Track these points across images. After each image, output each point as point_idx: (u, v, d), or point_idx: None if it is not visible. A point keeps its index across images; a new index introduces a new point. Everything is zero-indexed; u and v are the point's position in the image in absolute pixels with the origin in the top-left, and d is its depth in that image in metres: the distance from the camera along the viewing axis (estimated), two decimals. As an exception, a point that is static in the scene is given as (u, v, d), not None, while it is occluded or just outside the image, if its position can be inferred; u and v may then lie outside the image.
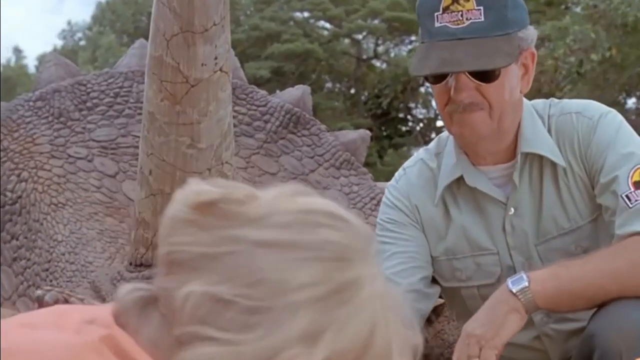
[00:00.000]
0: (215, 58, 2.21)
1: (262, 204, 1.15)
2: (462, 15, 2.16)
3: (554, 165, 2.31)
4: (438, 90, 2.23)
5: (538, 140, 2.30)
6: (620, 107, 16.13)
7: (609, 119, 2.30)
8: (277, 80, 19.11)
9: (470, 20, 2.15)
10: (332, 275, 1.12)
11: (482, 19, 2.15)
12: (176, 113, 2.26)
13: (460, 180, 2.34)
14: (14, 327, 1.11)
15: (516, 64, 2.23)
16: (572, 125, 2.31)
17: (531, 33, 2.26)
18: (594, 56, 11.89)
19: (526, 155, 2.30)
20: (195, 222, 1.14)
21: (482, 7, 2.15)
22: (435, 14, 2.18)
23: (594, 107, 2.34)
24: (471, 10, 2.16)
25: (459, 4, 2.16)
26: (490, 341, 2.10)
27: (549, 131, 2.33)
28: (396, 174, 2.50)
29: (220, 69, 2.25)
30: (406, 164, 2.51)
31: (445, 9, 2.17)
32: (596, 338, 2.05)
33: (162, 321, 1.13)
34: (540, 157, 2.30)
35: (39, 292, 1.86)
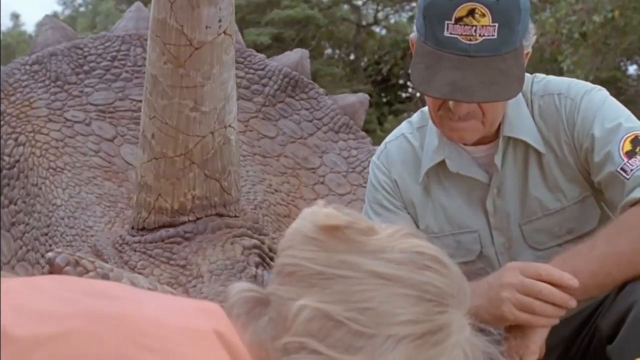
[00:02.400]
0: (219, 20, 2.19)
1: (381, 238, 1.28)
2: (475, 31, 2.06)
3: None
4: (434, 99, 2.19)
5: (522, 125, 2.28)
6: (621, 73, 16.07)
7: (591, 97, 2.27)
8: (277, 46, 19.01)
9: (484, 37, 2.06)
10: (431, 317, 1.24)
11: (495, 36, 2.07)
12: (179, 76, 2.23)
13: (442, 163, 2.33)
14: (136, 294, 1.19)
15: None
16: (555, 109, 2.28)
17: (531, 36, 2.22)
18: (596, 17, 11.81)
19: (509, 138, 2.29)
20: (319, 242, 1.26)
21: (497, 24, 2.06)
22: (447, 22, 2.08)
23: (577, 86, 2.30)
24: (486, 26, 2.07)
25: (474, 17, 2.06)
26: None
27: (532, 111, 2.30)
28: (378, 149, 2.50)
29: (224, 32, 2.23)
30: (388, 138, 2.50)
31: (459, 20, 2.07)
32: (637, 305, 2.03)
33: (270, 325, 1.24)
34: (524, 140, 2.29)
35: (50, 254, 1.85)
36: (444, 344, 1.24)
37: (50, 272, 1.83)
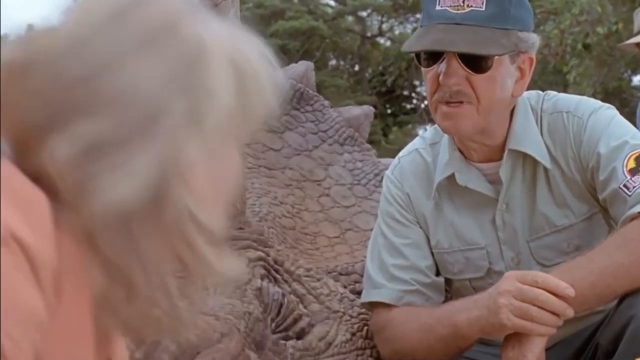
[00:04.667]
0: None
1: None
2: (463, 2, 2.15)
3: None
4: (429, 76, 2.22)
5: (528, 138, 2.29)
6: (625, 83, 16.08)
7: (599, 116, 2.29)
8: (282, 58, 18.97)
9: (471, 8, 2.14)
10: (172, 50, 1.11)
11: (483, 8, 2.14)
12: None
13: (452, 177, 2.35)
14: None
15: (512, 64, 2.22)
16: (563, 127, 2.30)
17: (532, 37, 2.25)
18: (600, 29, 11.83)
19: (517, 152, 2.30)
20: None
21: None
22: None
23: (585, 104, 2.32)
24: None
25: None
26: None
27: (541, 128, 2.32)
28: (392, 163, 2.52)
29: (232, 46, 2.23)
30: (401, 153, 2.53)
31: None
32: (636, 319, 2.03)
33: None
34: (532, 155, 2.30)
35: None
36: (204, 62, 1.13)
37: None
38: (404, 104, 23.04)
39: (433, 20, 2.18)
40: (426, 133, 2.54)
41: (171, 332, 1.23)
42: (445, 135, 2.36)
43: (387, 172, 2.52)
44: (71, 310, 1.09)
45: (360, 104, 3.62)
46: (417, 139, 2.56)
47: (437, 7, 2.17)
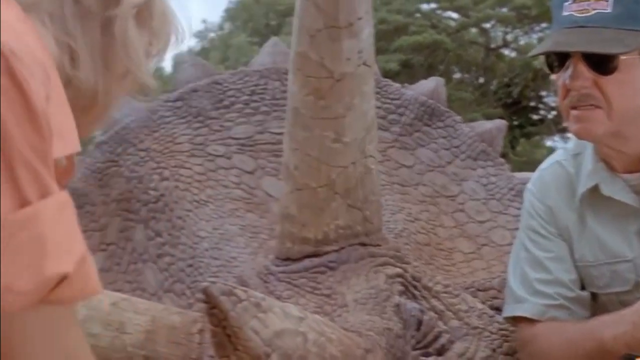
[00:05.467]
0: (360, 52, 2.22)
1: None
2: (589, 5, 2.13)
3: None
4: (559, 82, 2.22)
5: None
6: None
7: None
8: (406, 72, 19.05)
9: (596, 11, 2.12)
10: None
11: (609, 10, 2.11)
12: (321, 108, 2.27)
13: (596, 188, 2.31)
14: None
15: None
16: None
17: None
18: None
19: None
20: None
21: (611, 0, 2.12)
22: (565, 3, 2.19)
23: None
24: (599, 0, 2.13)
25: None
26: None
27: None
28: (532, 176, 2.50)
29: (364, 63, 2.26)
30: (542, 165, 2.51)
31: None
32: None
33: None
34: None
35: (205, 284, 1.91)
36: None
37: (205, 302, 1.89)
38: (530, 115, 22.70)
39: (559, 25, 2.20)
40: (568, 144, 2.50)
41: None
42: (589, 146, 2.33)
43: (528, 185, 2.50)
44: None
45: (486, 116, 3.58)
46: (558, 151, 2.53)
47: (564, 13, 2.18)
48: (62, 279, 1.16)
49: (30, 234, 1.13)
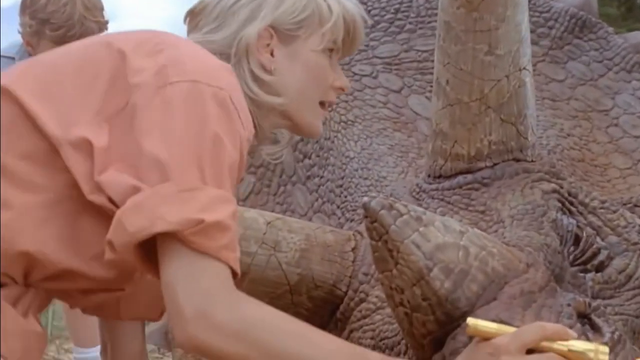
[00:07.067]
0: None
1: None
2: None
3: None
4: None
5: None
6: None
7: None
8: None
9: None
10: None
11: None
12: (473, 20, 2.22)
13: None
14: None
15: None
16: None
17: None
18: None
19: None
20: None
21: None
22: None
23: None
24: None
25: None
26: None
27: None
28: None
29: (515, -28, 2.19)
30: None
31: None
32: None
33: None
34: None
35: (365, 199, 1.90)
36: None
37: (366, 217, 1.88)
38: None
39: None
40: None
41: None
42: None
43: None
44: None
45: (633, 32, 3.45)
46: None
47: None
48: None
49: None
